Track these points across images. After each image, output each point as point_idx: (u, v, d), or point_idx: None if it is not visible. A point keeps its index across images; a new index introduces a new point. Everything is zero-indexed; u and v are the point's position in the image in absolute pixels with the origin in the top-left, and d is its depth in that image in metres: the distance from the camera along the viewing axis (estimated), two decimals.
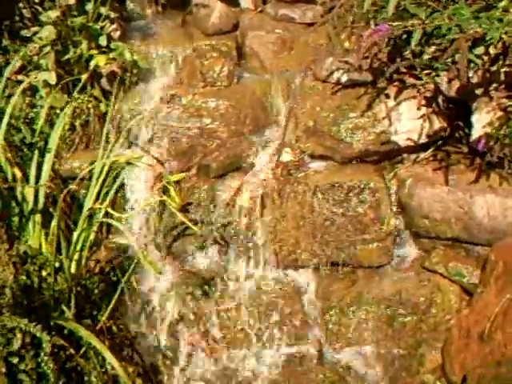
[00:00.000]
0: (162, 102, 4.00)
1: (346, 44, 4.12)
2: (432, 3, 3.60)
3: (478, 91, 3.66)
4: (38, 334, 2.76)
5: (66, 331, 3.11)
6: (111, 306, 3.30)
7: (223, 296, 3.82)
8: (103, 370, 3.15)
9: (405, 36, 3.66)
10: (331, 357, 3.76)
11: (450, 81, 3.72)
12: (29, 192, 3.37)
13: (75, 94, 3.88)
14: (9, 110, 3.52)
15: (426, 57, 3.70)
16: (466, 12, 3.44)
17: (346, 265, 3.83)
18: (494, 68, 3.53)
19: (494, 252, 3.48)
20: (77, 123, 3.95)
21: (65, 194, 3.26)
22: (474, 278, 3.61)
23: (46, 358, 2.86)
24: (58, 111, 3.88)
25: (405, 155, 3.91)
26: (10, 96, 3.70)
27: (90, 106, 3.96)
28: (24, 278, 3.12)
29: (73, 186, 3.33)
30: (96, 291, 3.43)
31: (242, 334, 3.81)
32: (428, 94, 3.80)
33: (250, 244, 3.82)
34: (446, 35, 3.46)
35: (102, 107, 4.00)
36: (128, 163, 3.58)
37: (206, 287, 3.78)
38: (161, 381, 3.73)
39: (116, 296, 3.29)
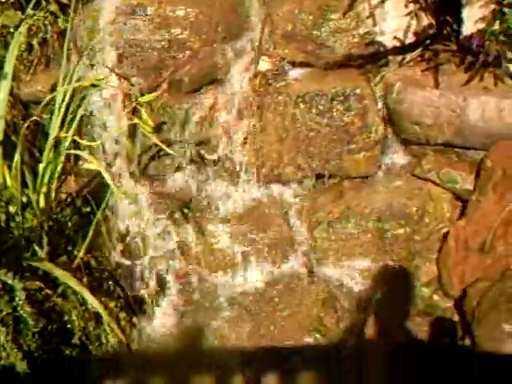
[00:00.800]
0: (125, 14, 3.65)
1: None
2: None
3: None
4: (9, 282, 2.55)
5: (40, 271, 2.89)
6: (87, 240, 3.07)
7: (204, 218, 3.60)
8: (83, 308, 2.97)
9: None
10: (322, 274, 3.61)
11: None
12: None
13: (29, 10, 3.51)
14: None
15: None
16: None
17: (332, 177, 3.65)
18: None
19: (490, 157, 3.30)
20: (34, 42, 3.63)
21: (27, 124, 2.96)
22: (468, 185, 3.47)
23: (21, 302, 2.65)
24: (11, 30, 3.52)
25: (391, 57, 3.67)
26: None
27: (46, 22, 3.63)
28: None
29: (36, 115, 3.02)
30: (69, 225, 3.23)
31: (226, 255, 3.65)
32: None
33: (230, 161, 3.60)
34: None
35: (60, 23, 3.67)
36: (93, 85, 3.26)
37: (186, 209, 3.56)
38: (145, 311, 3.57)
39: (92, 229, 3.06)
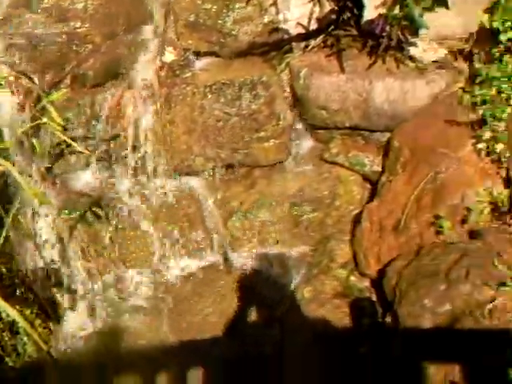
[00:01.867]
0: (20, 7, 3.51)
1: None
2: None
3: None
4: None
5: None
6: None
7: (115, 215, 3.52)
8: None
9: None
10: (238, 263, 3.57)
11: None
12: None
13: None
14: None
15: None
16: None
17: (242, 166, 3.64)
18: None
19: (397, 138, 3.36)
20: None
21: None
22: (376, 166, 3.53)
23: None
24: None
25: (295, 44, 3.67)
26: None
27: None
28: None
29: None
30: None
31: (141, 251, 3.57)
32: None
33: (139, 156, 3.52)
34: None
35: None
36: None
37: (96, 208, 3.47)
38: (61, 315, 3.45)
39: (2, 236, 2.92)
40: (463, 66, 3.44)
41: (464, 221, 3.02)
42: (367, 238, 3.26)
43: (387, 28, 3.37)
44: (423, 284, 2.80)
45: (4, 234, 3.04)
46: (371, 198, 3.42)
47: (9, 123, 3.40)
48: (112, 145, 3.53)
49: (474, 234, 2.98)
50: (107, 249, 3.55)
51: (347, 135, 3.58)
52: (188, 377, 3.32)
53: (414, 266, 2.88)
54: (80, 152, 3.42)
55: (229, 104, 3.53)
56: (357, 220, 3.42)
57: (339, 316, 3.15)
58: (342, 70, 3.48)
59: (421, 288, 2.79)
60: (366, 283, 3.25)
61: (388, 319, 2.87)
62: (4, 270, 3.15)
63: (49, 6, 3.57)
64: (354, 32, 3.67)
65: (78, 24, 3.58)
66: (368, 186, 3.54)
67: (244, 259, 3.60)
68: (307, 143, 3.65)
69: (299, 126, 3.64)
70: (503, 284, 2.68)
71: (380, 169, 3.46)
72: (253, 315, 3.48)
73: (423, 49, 3.46)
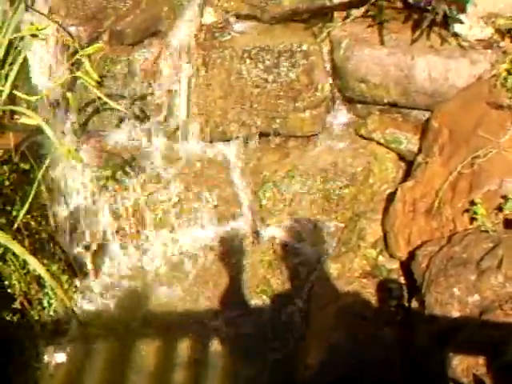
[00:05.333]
0: None
1: None
2: None
3: None
4: None
5: None
6: (28, 200, 2.92)
7: (147, 176, 3.50)
8: (25, 271, 2.84)
9: None
10: (266, 234, 3.55)
11: None
12: None
13: None
14: None
15: None
16: None
17: (277, 135, 3.58)
18: None
19: (437, 118, 3.29)
20: None
21: None
22: (412, 145, 3.45)
23: None
24: None
25: (336, 13, 3.58)
26: None
27: None
28: None
29: None
30: (7, 183, 3.05)
31: (170, 214, 3.56)
32: None
33: (173, 117, 3.47)
34: None
35: None
36: (31, 35, 3.06)
37: (127, 167, 3.44)
38: (87, 273, 3.46)
39: (33, 190, 2.90)
40: (510, 46, 3.34)
41: (500, 209, 2.96)
42: (399, 218, 3.22)
43: (433, 2, 3.27)
44: (454, 272, 2.76)
45: (35, 188, 3.03)
46: (406, 178, 3.37)
47: (45, 76, 3.35)
48: (146, 104, 3.46)
49: (509, 224, 2.92)
50: (136, 209, 3.52)
51: (385, 111, 3.52)
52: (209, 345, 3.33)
53: (445, 252, 2.84)
54: (114, 109, 3.36)
55: (267, 70, 3.48)
56: (390, 199, 3.36)
57: (366, 296, 3.12)
58: (383, 42, 3.39)
59: (451, 276, 2.75)
60: (395, 265, 3.21)
61: (415, 304, 2.85)
62: (34, 223, 3.14)
63: None
64: (398, 4, 3.58)
65: None
66: (403, 165, 3.48)
67: (273, 230, 3.55)
68: (344, 117, 3.59)
69: (337, 98, 3.55)
70: None
71: (417, 148, 3.39)
72: (279, 287, 3.45)
73: (469, 26, 3.36)
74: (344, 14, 3.58)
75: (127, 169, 3.46)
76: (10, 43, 3.12)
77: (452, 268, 2.78)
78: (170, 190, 3.54)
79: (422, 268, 2.88)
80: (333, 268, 3.32)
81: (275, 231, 3.55)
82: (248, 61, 3.46)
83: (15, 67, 3.04)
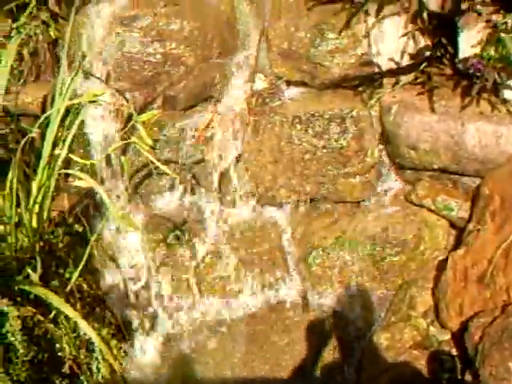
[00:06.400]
0: (119, 25, 3.55)
1: None
2: None
3: (464, 5, 3.33)
4: (5, 309, 2.43)
5: (32, 295, 2.77)
6: (82, 263, 2.96)
7: (196, 240, 3.52)
8: (75, 335, 2.86)
9: None
10: (315, 301, 3.53)
11: None
12: None
13: (21, 19, 3.38)
14: None
15: None
16: None
17: (326, 201, 3.59)
18: None
19: (488, 185, 3.27)
20: (24, 52, 3.50)
21: (23, 145, 2.84)
22: (463, 212, 3.42)
23: (13, 329, 2.54)
24: (0, 38, 3.39)
25: (385, 79, 3.60)
26: None
27: (37, 31, 3.49)
28: None
29: (33, 133, 2.90)
30: (61, 245, 3.10)
31: (219, 280, 3.56)
32: (411, 9, 3.45)
33: (224, 182, 3.50)
34: None
35: (52, 32, 3.55)
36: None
37: (178, 232, 3.47)
38: (137, 338, 3.47)
39: (87, 253, 2.94)
40: None
41: None
42: (450, 287, 3.18)
43: (482, 68, 3.28)
44: (508, 344, 2.71)
45: (88, 250, 3.08)
46: (457, 246, 3.33)
47: (100, 140, 3.42)
48: (198, 169, 3.51)
49: None
50: (186, 273, 3.54)
51: (435, 177, 3.50)
52: None
53: (499, 324, 2.80)
54: (166, 174, 3.41)
55: (317, 136, 3.50)
56: (440, 267, 3.33)
57: (417, 367, 3.07)
58: (434, 109, 3.40)
59: (505, 349, 2.70)
60: (447, 336, 3.16)
61: (468, 377, 2.79)
62: (85, 287, 3.17)
63: (146, 25, 3.57)
64: (448, 70, 3.59)
65: (173, 45, 3.58)
66: (454, 232, 3.44)
67: (322, 298, 3.53)
68: (394, 183, 3.58)
69: (386, 164, 3.55)
70: None
71: (468, 215, 3.36)
72: (328, 358, 3.42)
73: None
74: (393, 80, 3.60)
75: (178, 233, 3.48)
76: (68, 108, 3.19)
77: (507, 340, 2.73)
78: (219, 255, 3.53)
79: (475, 340, 2.83)
80: (383, 338, 3.28)
81: (324, 299, 3.52)
82: (298, 126, 3.48)
83: (72, 131, 3.11)
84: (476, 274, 3.08)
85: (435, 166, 3.45)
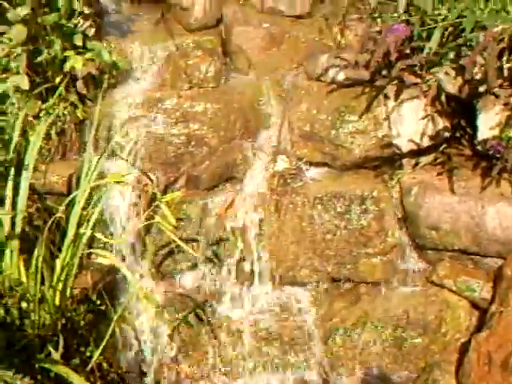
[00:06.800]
0: (144, 107, 3.65)
1: (339, 38, 3.84)
2: None
3: (482, 88, 3.40)
4: None
5: (52, 374, 2.77)
6: (103, 342, 2.95)
7: (218, 320, 3.52)
8: None
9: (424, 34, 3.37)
10: (336, 382, 3.50)
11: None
12: (5, 216, 3.00)
13: (50, 100, 3.49)
14: None
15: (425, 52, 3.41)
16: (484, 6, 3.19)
17: (348, 281, 3.59)
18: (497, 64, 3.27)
19: (509, 266, 3.26)
20: (52, 132, 3.60)
21: (50, 224, 2.90)
22: (485, 293, 3.39)
23: None
24: (30, 119, 3.48)
25: (405, 160, 3.65)
26: None
27: (65, 112, 3.59)
28: (2, 312, 2.78)
29: (59, 214, 2.96)
30: (82, 323, 3.11)
31: (240, 361, 3.53)
32: (430, 93, 3.52)
33: (246, 261, 3.51)
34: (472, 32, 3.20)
35: (79, 113, 3.65)
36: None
37: (199, 311, 3.48)
38: None
39: (109, 332, 2.94)
40: None
41: None
42: (474, 371, 3.13)
43: (502, 150, 3.31)
44: None
45: (111, 329, 3.08)
46: (479, 327, 3.30)
47: (124, 218, 3.47)
48: (219, 248, 3.53)
49: None
50: (205, 354, 3.52)
51: (456, 258, 3.50)
52: None
53: None
54: (187, 253, 3.43)
55: (338, 216, 3.53)
56: (463, 350, 3.29)
57: None
58: (454, 190, 3.43)
59: None
60: None
61: None
62: (105, 365, 3.16)
63: (171, 107, 3.66)
64: (467, 151, 3.65)
65: (197, 126, 3.67)
66: (476, 312, 3.41)
67: (343, 380, 3.49)
68: (415, 263, 3.57)
69: (407, 244, 3.56)
70: None
71: (490, 296, 3.34)
72: None
73: None
74: (413, 161, 3.65)
75: (198, 311, 3.48)
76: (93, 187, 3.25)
77: None
78: (240, 334, 3.52)
79: None
80: None
81: (345, 380, 3.47)
82: (320, 207, 3.52)
83: (96, 210, 3.16)
84: (500, 359, 3.04)
85: (456, 247, 3.46)
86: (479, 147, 3.46)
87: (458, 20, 3.30)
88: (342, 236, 3.53)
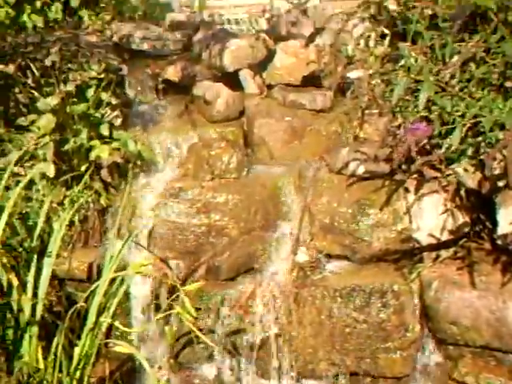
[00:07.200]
0: (167, 196, 3.70)
1: (357, 131, 3.91)
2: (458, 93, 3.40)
3: (501, 183, 3.43)
4: None
5: None
6: None
7: None
8: None
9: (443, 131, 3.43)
10: None
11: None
12: (26, 302, 3.01)
13: (75, 188, 3.55)
14: (9, 208, 3.14)
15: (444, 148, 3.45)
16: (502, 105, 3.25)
17: (367, 375, 3.53)
18: None
19: None
20: (75, 218, 3.63)
21: (71, 313, 2.91)
22: None
23: None
24: (54, 205, 3.54)
25: (425, 254, 3.65)
26: (6, 189, 3.34)
27: (89, 199, 3.64)
28: None
29: (81, 304, 2.97)
30: None
31: None
32: (450, 188, 3.55)
33: (264, 354, 3.48)
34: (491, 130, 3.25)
35: (103, 201, 3.70)
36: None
37: None
38: None
39: None
40: None
41: None
42: None
43: None
44: None
45: None
46: None
47: (143, 307, 3.47)
48: (237, 339, 3.51)
49: None
50: None
51: (478, 354, 3.44)
52: None
53: None
54: (204, 343, 3.41)
55: (357, 310, 3.51)
56: None
57: None
58: (474, 285, 3.42)
59: None
60: None
61: None
62: None
63: (192, 197, 3.72)
64: (487, 245, 3.64)
65: (218, 216, 3.71)
66: None
67: None
68: (435, 359, 3.52)
69: (427, 339, 3.52)
70: None
71: None
72: None
73: None
74: (433, 254, 3.65)
75: None
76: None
77: None
78: None
79: None
80: None
81: None
82: (339, 300, 3.51)
83: (116, 299, 3.17)
84: None
85: (477, 343, 3.42)
86: (499, 241, 3.46)
87: (476, 119, 3.34)
88: (362, 330, 3.50)
